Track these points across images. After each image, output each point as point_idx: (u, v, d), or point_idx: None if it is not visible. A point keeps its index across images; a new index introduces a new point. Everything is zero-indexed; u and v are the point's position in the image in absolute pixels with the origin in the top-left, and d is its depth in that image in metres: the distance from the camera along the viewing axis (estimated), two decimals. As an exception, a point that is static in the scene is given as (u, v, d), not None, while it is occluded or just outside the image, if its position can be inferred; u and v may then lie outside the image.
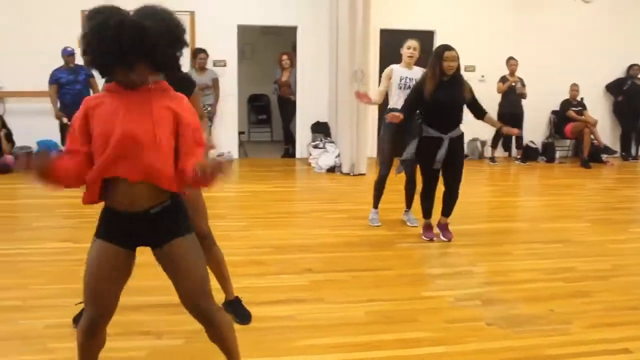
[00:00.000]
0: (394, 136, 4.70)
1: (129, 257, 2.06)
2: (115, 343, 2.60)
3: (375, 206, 4.92)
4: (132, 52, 1.87)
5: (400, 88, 4.78)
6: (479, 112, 4.43)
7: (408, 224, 4.90)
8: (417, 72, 4.74)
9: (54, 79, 7.09)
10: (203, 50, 7.86)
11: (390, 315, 3.15)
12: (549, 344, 2.80)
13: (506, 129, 4.58)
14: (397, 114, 4.26)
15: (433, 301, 3.34)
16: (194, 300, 2.09)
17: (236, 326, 2.95)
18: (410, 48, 4.82)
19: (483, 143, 8.89)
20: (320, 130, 8.33)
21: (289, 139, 8.86)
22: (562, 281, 3.66)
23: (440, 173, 4.36)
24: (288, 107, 8.60)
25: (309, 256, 4.12)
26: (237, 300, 3.15)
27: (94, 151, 1.95)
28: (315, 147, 7.91)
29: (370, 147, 7.73)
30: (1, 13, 7.66)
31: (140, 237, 2.03)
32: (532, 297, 3.40)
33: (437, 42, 8.33)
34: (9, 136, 7.41)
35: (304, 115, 8.47)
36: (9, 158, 7.22)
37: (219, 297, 2.75)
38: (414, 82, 4.68)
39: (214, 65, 8.09)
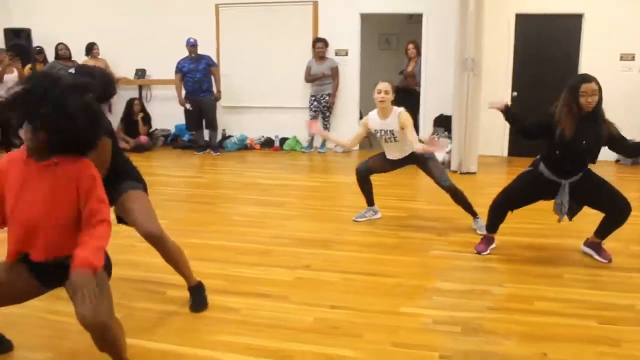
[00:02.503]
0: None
1: None
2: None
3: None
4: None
5: (383, 140, 4.33)
6: (629, 151, 3.68)
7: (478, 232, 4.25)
8: (393, 122, 4.19)
9: (179, 68, 7.71)
10: (321, 40, 7.84)
11: (338, 326, 2.76)
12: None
13: None
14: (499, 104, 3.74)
15: (403, 319, 2.84)
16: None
17: (165, 309, 2.91)
18: (380, 92, 4.16)
19: None
20: (443, 124, 7.70)
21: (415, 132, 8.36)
22: (595, 320, 2.82)
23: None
24: (412, 99, 8.13)
25: (321, 252, 3.83)
26: (198, 287, 3.04)
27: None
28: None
29: (483, 144, 6.90)
30: (148, 7, 8.54)
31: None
32: (534, 333, 2.68)
33: (586, 27, 7.13)
34: (145, 119, 8.25)
35: (427, 107, 7.92)
36: (143, 139, 8.08)
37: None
38: (390, 135, 4.21)
39: (336, 54, 8.00)
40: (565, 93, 3.40)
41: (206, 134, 8.07)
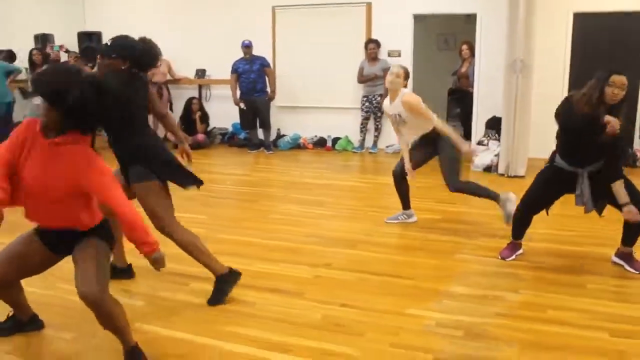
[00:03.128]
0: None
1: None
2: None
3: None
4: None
5: (397, 124, 4.39)
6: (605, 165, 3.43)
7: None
8: (399, 104, 4.23)
9: (234, 68, 7.98)
10: (373, 41, 7.88)
11: (343, 324, 2.86)
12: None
13: None
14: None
15: (408, 320, 2.89)
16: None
17: (184, 300, 3.12)
18: (392, 75, 4.23)
19: None
20: (494, 126, 7.54)
21: (467, 133, 8.25)
22: (607, 332, 2.75)
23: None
24: (466, 100, 8.02)
25: (346, 252, 3.93)
26: (227, 275, 3.18)
27: None
28: (479, 143, 7.23)
29: (534, 147, 6.70)
30: (209, 10, 8.90)
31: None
32: (539, 342, 2.67)
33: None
34: (203, 117, 8.62)
35: (480, 109, 7.78)
36: (200, 136, 8.45)
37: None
38: (399, 118, 4.25)
39: (389, 55, 8.01)
40: (593, 81, 3.29)
41: (260, 132, 8.32)
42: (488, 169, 6.73)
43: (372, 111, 8.07)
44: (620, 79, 3.21)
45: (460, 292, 3.26)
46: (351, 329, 2.80)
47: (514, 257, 3.76)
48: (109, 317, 2.30)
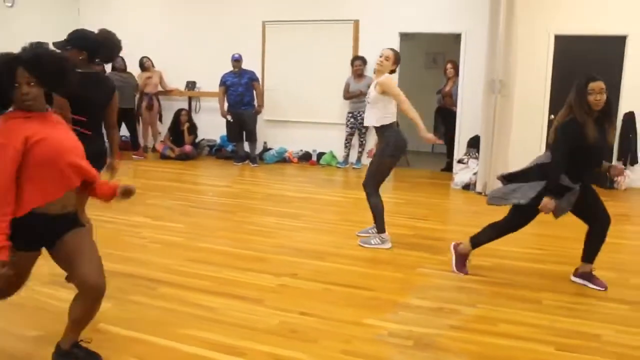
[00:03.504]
0: None
1: None
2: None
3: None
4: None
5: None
6: None
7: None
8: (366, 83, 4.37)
9: (222, 81, 8.13)
10: (359, 58, 8.04)
11: (299, 330, 2.95)
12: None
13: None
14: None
15: (362, 329, 2.98)
16: None
17: (150, 303, 3.20)
18: (381, 56, 4.37)
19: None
20: (476, 144, 7.66)
21: (451, 152, 8.37)
22: (553, 346, 2.84)
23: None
24: (450, 119, 8.16)
25: (314, 263, 4.02)
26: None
27: None
28: (459, 162, 7.36)
29: (514, 166, 6.82)
30: (200, 23, 9.07)
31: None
32: (485, 353, 2.76)
33: (629, 50, 6.95)
34: (191, 129, 8.74)
35: (463, 128, 7.92)
36: (188, 148, 8.56)
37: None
38: (367, 94, 4.46)
39: (374, 72, 8.15)
40: (573, 94, 3.39)
41: (246, 145, 8.44)
42: (467, 187, 6.85)
43: (357, 127, 8.20)
44: (597, 85, 3.32)
45: (417, 305, 3.34)
46: (306, 336, 2.88)
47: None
48: (97, 310, 2.41)
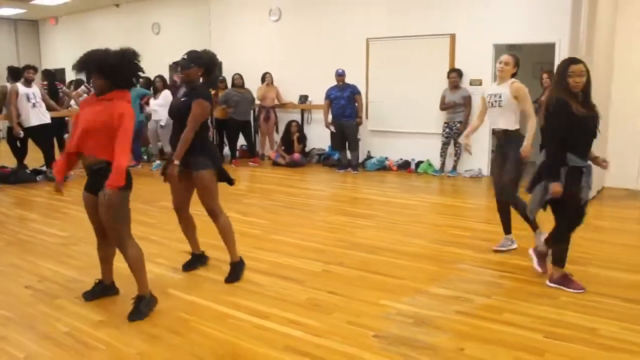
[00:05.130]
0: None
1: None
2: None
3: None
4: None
5: (490, 105, 4.52)
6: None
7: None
8: (504, 88, 4.41)
9: (327, 95, 8.88)
10: (455, 70, 8.33)
11: (320, 304, 3.53)
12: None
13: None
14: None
15: (375, 308, 3.47)
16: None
17: (213, 277, 3.97)
18: (500, 63, 4.47)
19: None
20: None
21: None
22: (543, 334, 3.08)
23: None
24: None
25: (364, 255, 4.53)
26: (239, 263, 4.07)
27: None
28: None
29: (609, 175, 6.67)
30: (312, 42, 9.96)
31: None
32: (473, 334, 3.11)
33: None
34: (300, 138, 9.60)
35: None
36: (296, 156, 9.43)
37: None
38: (498, 98, 4.41)
39: (470, 84, 8.39)
40: (555, 76, 3.67)
41: (349, 154, 9.09)
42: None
43: (452, 137, 8.46)
44: (578, 67, 3.54)
45: (437, 292, 3.73)
46: (325, 309, 3.45)
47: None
48: (128, 258, 3.35)
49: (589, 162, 3.70)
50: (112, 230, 3.29)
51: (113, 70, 3.21)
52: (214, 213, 3.99)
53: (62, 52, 14.82)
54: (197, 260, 4.25)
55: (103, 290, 3.68)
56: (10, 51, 14.46)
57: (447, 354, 2.88)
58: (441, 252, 4.61)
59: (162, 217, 5.77)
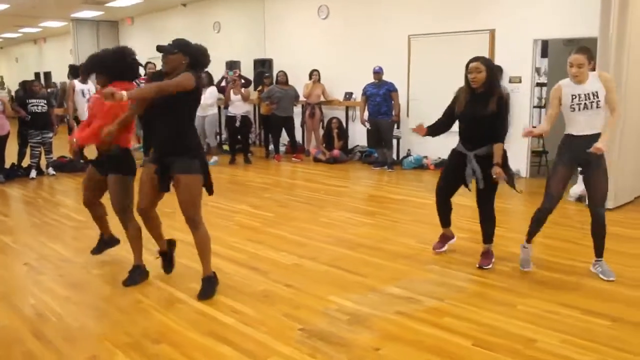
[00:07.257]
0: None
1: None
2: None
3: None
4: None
5: (577, 109, 3.81)
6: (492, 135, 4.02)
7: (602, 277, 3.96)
8: (594, 84, 3.75)
9: (364, 91, 8.88)
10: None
11: (270, 295, 3.66)
12: None
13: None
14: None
15: (319, 302, 3.53)
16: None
17: (192, 266, 4.23)
18: (572, 66, 3.75)
19: None
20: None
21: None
22: (472, 341, 3.01)
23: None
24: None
25: (340, 251, 4.60)
26: (212, 277, 3.72)
27: None
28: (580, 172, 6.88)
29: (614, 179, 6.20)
30: (356, 41, 10.01)
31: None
32: (398, 335, 3.09)
33: None
34: (341, 135, 9.67)
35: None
36: (336, 152, 9.51)
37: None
38: (594, 98, 3.73)
39: (510, 81, 8.07)
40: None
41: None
42: (580, 199, 6.45)
43: (490, 136, 8.17)
44: (473, 65, 3.93)
45: (391, 292, 3.71)
46: (271, 300, 3.56)
47: (445, 248, 4.47)
48: (128, 228, 4.00)
49: (470, 154, 4.10)
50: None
51: (107, 65, 3.87)
52: (195, 223, 3.58)
53: (138, 50, 15.74)
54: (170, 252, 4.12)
55: (105, 243, 4.38)
56: (93, 50, 15.62)
57: (359, 352, 2.89)
58: (421, 253, 4.56)
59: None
